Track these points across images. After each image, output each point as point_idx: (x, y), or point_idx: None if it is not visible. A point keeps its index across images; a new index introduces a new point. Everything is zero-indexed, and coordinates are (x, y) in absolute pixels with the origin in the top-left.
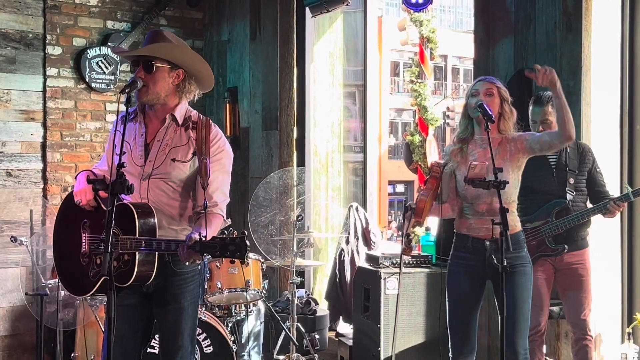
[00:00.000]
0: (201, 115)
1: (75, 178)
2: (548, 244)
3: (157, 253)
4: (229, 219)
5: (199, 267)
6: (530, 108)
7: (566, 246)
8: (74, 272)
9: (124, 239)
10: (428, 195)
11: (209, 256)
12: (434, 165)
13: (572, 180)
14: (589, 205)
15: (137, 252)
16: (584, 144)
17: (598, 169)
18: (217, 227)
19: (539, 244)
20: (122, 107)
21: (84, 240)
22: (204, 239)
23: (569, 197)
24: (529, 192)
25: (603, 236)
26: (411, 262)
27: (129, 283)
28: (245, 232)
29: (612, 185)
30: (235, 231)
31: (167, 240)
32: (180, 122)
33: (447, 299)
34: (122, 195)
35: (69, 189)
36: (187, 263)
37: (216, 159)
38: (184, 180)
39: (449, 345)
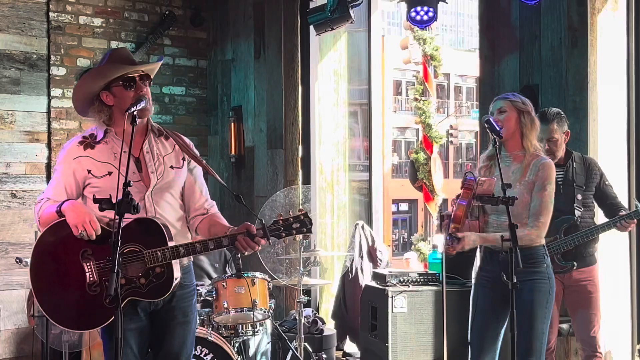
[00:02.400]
0: None
1: (58, 212)
2: (557, 261)
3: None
4: None
5: (194, 281)
6: None
7: (575, 263)
8: (79, 306)
9: (150, 252)
10: (465, 204)
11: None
12: (467, 177)
13: (579, 196)
14: (597, 221)
15: (172, 262)
16: (590, 158)
17: (607, 182)
18: None
19: None
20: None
21: (87, 270)
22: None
23: (577, 213)
24: None
25: (612, 252)
26: (419, 280)
27: (167, 294)
28: (304, 209)
29: (620, 201)
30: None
31: (217, 237)
32: (157, 132)
33: (470, 310)
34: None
35: None
36: (245, 253)
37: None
38: (181, 188)
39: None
